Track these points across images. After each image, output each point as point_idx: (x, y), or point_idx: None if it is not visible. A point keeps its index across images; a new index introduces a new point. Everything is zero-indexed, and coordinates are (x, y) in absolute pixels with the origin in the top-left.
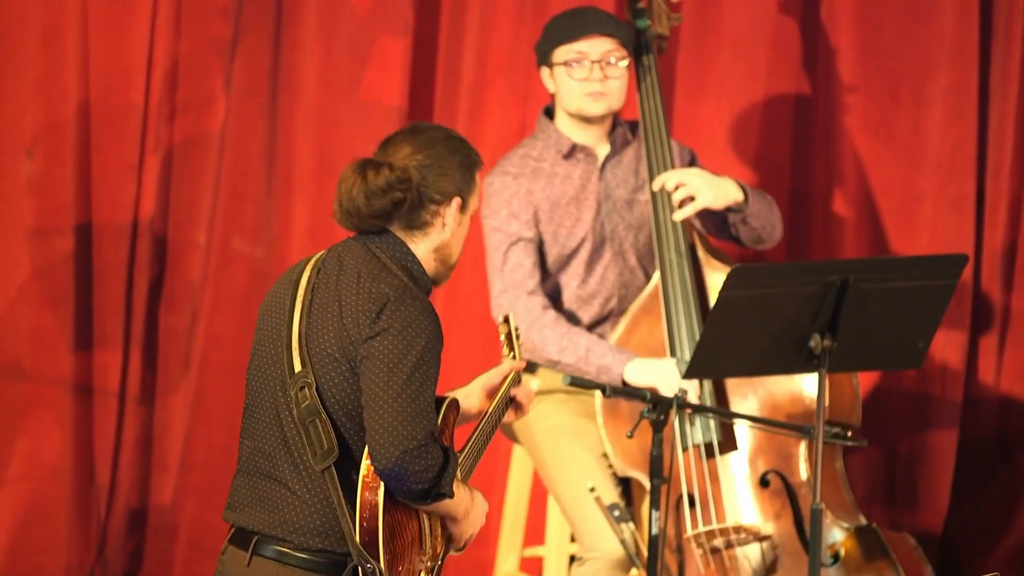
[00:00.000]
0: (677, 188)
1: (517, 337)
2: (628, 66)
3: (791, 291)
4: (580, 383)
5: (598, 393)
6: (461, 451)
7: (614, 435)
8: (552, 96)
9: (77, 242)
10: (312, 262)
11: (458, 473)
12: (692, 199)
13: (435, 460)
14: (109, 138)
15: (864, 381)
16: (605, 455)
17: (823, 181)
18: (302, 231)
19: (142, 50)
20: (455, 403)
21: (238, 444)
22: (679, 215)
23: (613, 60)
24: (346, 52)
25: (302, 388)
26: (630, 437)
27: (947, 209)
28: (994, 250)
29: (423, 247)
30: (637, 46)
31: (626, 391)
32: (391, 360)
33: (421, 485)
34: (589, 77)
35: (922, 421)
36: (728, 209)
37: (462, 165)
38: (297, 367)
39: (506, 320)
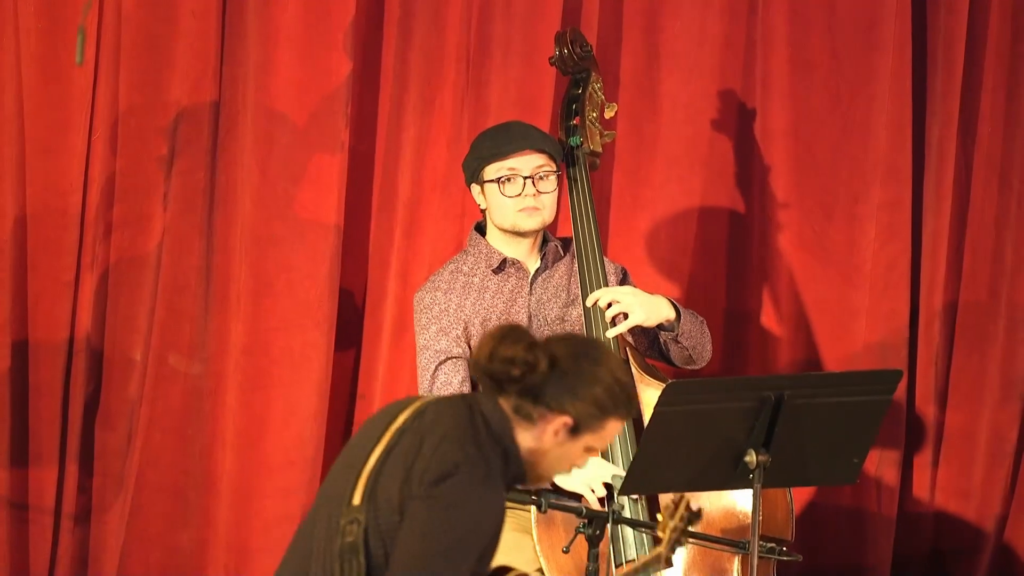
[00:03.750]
0: (611, 305)
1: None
2: (559, 177)
3: (726, 406)
4: (515, 499)
5: (533, 508)
6: None
7: (549, 550)
8: (483, 212)
9: (13, 359)
10: (417, 403)
11: None
12: (625, 316)
13: None
14: (46, 255)
15: (799, 496)
16: (541, 570)
17: (758, 298)
18: (239, 349)
19: (79, 168)
20: None
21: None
22: (612, 332)
23: (544, 174)
24: (282, 170)
25: (352, 522)
26: (566, 552)
27: (881, 325)
28: (928, 366)
29: (524, 440)
30: (570, 162)
31: (562, 505)
32: (426, 532)
33: None
34: (522, 193)
35: (857, 536)
36: (660, 327)
37: (596, 399)
38: (356, 500)
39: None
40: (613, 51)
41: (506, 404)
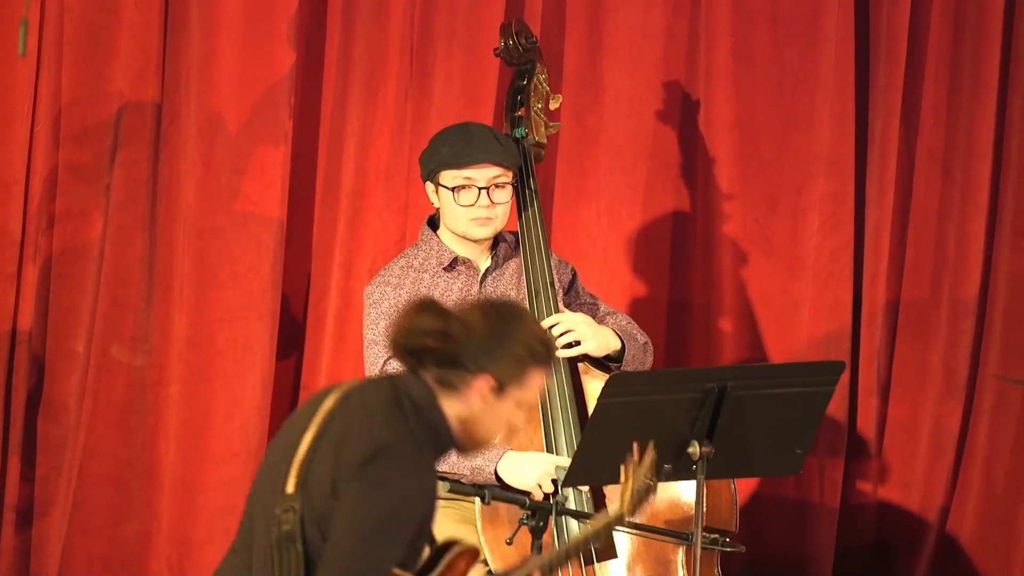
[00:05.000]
0: (566, 332)
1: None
2: (513, 183)
3: (669, 398)
4: (459, 490)
5: (477, 500)
6: None
7: (493, 541)
8: (436, 208)
9: None
10: (342, 389)
11: None
12: (578, 343)
13: None
14: None
15: (742, 487)
16: (485, 562)
17: (702, 290)
18: (182, 341)
19: (21, 159)
20: (473, 553)
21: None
22: (562, 354)
23: (500, 184)
24: (225, 161)
25: (287, 511)
26: (509, 544)
27: (824, 317)
28: (870, 357)
29: (452, 409)
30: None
31: (505, 496)
32: (358, 511)
33: None
34: (476, 203)
35: (800, 527)
36: (606, 357)
37: (518, 357)
38: (290, 488)
39: None
40: (556, 42)
41: (428, 378)
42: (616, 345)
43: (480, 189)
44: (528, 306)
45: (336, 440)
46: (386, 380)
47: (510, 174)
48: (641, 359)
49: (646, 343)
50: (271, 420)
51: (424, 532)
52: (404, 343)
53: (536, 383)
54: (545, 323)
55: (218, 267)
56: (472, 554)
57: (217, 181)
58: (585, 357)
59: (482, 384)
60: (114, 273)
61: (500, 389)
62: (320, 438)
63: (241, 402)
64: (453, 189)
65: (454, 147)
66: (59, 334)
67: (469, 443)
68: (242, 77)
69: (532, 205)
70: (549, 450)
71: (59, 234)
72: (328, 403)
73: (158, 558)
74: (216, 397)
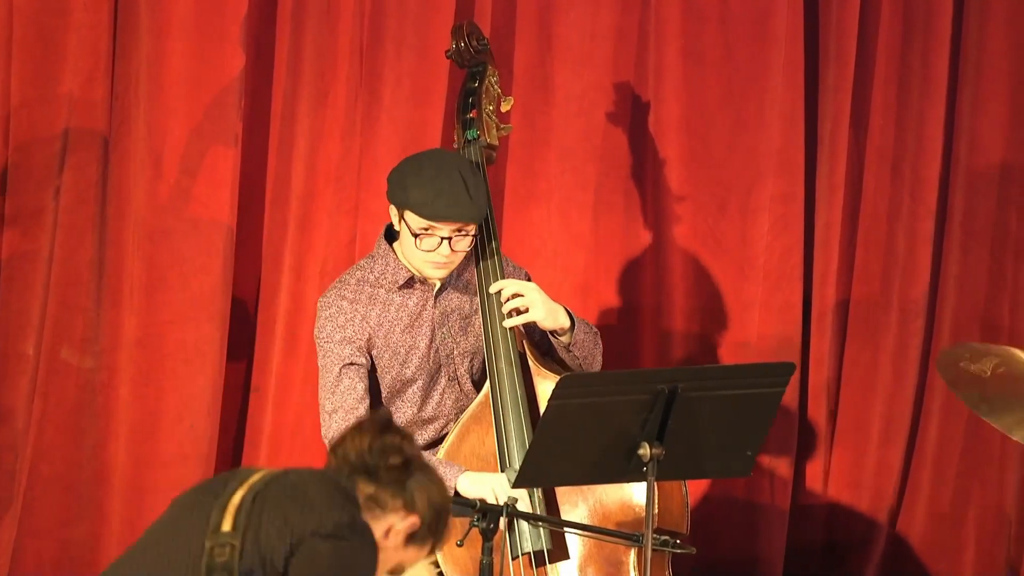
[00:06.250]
0: (514, 296)
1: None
2: (475, 234)
3: (620, 399)
4: None
5: None
6: None
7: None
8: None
9: None
10: (271, 470)
11: None
12: (525, 311)
13: None
14: None
15: (693, 488)
16: (436, 564)
17: (652, 291)
18: (132, 343)
19: None
20: None
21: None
22: (509, 323)
23: (463, 233)
24: (175, 163)
25: (223, 545)
26: (460, 546)
27: (775, 318)
28: (821, 357)
29: (376, 527)
30: (466, 156)
31: (456, 501)
32: (332, 568)
33: None
34: (436, 250)
35: (751, 528)
36: (553, 333)
37: (443, 521)
38: (226, 527)
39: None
40: (507, 44)
41: (360, 490)
42: (566, 323)
43: (442, 238)
44: (482, 311)
45: (289, 496)
46: (325, 473)
47: (474, 225)
48: (592, 344)
49: (597, 333)
50: (221, 422)
51: None
52: (367, 456)
53: (417, 557)
54: (493, 288)
55: (168, 269)
56: None
57: (167, 183)
58: (536, 353)
59: (409, 520)
60: (64, 275)
61: (411, 539)
62: (259, 495)
63: (191, 404)
64: (416, 235)
65: (424, 196)
66: (8, 336)
67: None
68: (192, 79)
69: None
70: (501, 451)
71: (8, 237)
72: (258, 474)
73: (108, 560)
74: (166, 399)
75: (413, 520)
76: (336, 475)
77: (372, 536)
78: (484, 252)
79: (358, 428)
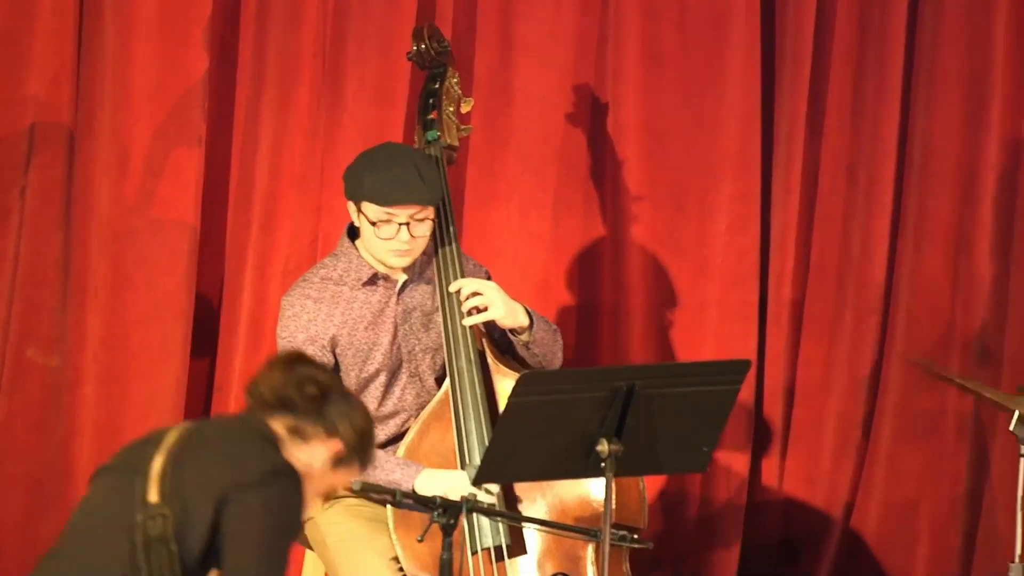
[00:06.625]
0: (473, 295)
1: None
2: (433, 219)
3: (579, 397)
4: (370, 489)
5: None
6: None
7: (405, 539)
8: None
9: None
10: (185, 424)
11: None
12: (485, 309)
13: None
14: None
15: (651, 484)
16: (396, 559)
17: (611, 290)
18: (97, 342)
19: None
20: None
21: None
22: (468, 321)
23: (421, 218)
24: (140, 164)
25: (154, 518)
26: (420, 541)
27: (731, 316)
28: (777, 355)
29: (295, 460)
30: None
31: (415, 497)
32: (258, 530)
33: None
34: (396, 237)
35: (707, 524)
36: (513, 331)
37: (367, 441)
38: (152, 497)
39: None
40: (467, 46)
41: (280, 423)
42: (525, 321)
43: (400, 224)
44: (442, 310)
45: (209, 455)
46: (240, 417)
47: (431, 208)
48: (551, 341)
49: (556, 330)
50: (185, 420)
51: None
52: (281, 388)
53: (350, 476)
54: (453, 287)
55: (133, 269)
56: None
57: (132, 184)
58: (495, 351)
59: (332, 446)
60: (30, 275)
61: (337, 462)
62: (177, 458)
63: (156, 402)
64: (375, 223)
65: (379, 183)
66: None
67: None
68: (156, 81)
69: (445, 208)
70: (461, 448)
71: None
72: (172, 435)
73: None
74: (131, 397)
75: (336, 445)
76: (251, 418)
77: (296, 473)
78: (445, 251)
79: (269, 366)
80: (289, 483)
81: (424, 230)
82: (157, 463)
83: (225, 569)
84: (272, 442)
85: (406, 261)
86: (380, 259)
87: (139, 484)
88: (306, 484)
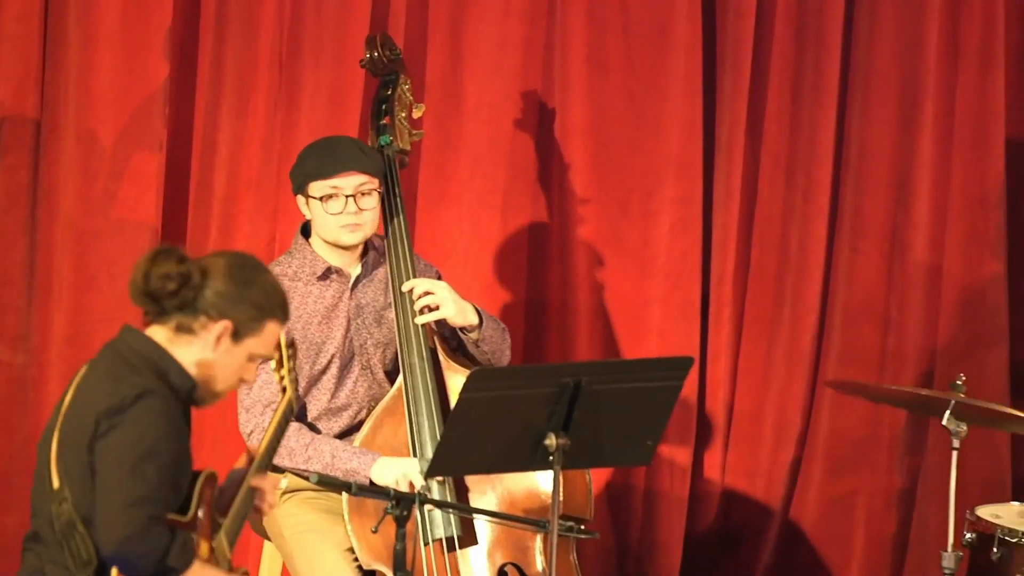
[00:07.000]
0: (425, 294)
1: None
2: (379, 192)
3: (527, 392)
4: (327, 481)
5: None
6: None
7: (360, 530)
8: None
9: None
10: (79, 375)
11: (211, 547)
12: (436, 308)
13: (159, 542)
14: None
15: (597, 477)
16: (351, 550)
17: (558, 289)
18: (61, 339)
19: None
20: (212, 477)
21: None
22: (420, 319)
23: (366, 191)
24: (103, 168)
25: (61, 503)
26: (375, 532)
27: (674, 315)
28: (718, 352)
29: (187, 353)
30: (385, 168)
31: (372, 490)
32: (117, 452)
33: (147, 568)
34: (344, 211)
35: (651, 515)
36: (463, 329)
37: (254, 303)
38: (55, 483)
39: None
40: (419, 53)
41: (166, 326)
42: (474, 320)
43: (347, 197)
44: (395, 309)
45: (80, 420)
46: (108, 347)
47: (376, 181)
48: (500, 339)
49: (504, 328)
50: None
51: (181, 473)
52: (145, 288)
53: (272, 335)
54: (405, 286)
55: (96, 269)
56: (214, 479)
57: (95, 187)
58: (446, 348)
59: (219, 329)
60: None
61: (236, 336)
62: (64, 428)
63: None
64: (321, 199)
65: (320, 159)
66: None
67: (205, 394)
68: (119, 88)
69: (397, 211)
70: (413, 442)
71: None
72: (68, 394)
73: None
74: None
75: (224, 324)
76: (118, 342)
77: (149, 394)
78: (397, 251)
79: (133, 272)
80: (142, 407)
81: (371, 203)
82: (54, 445)
83: (95, 507)
84: (129, 364)
85: (358, 237)
86: (334, 239)
87: (47, 472)
88: (211, 371)
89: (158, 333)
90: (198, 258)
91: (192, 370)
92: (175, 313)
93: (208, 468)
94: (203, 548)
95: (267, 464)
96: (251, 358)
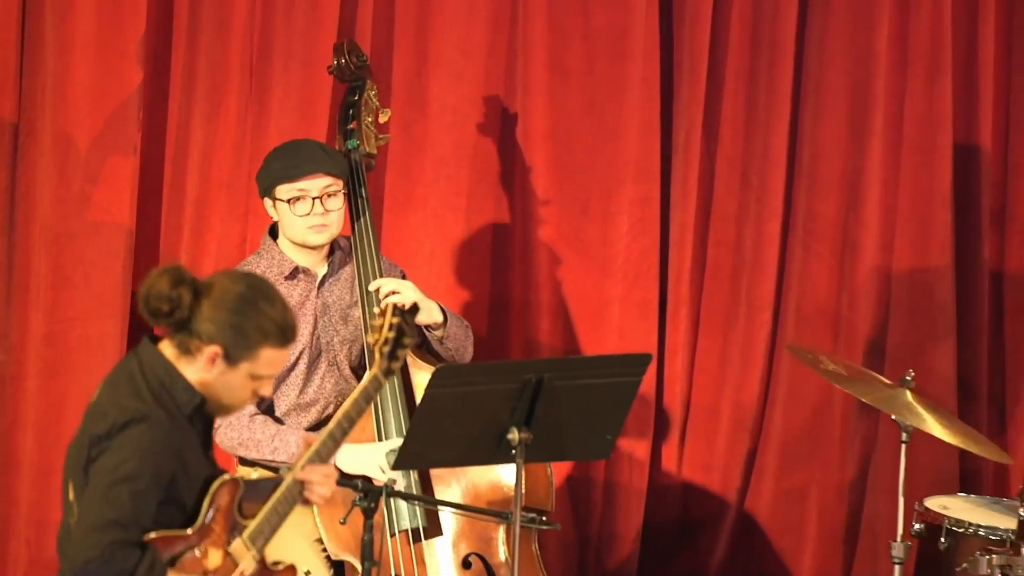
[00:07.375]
0: (391, 293)
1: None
2: (344, 193)
3: (491, 388)
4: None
5: None
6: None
7: (329, 521)
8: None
9: None
10: (95, 393)
11: (226, 552)
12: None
13: (124, 565)
14: None
15: (558, 470)
16: (320, 540)
17: (520, 289)
18: (38, 337)
19: None
20: (229, 482)
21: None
22: None
23: (332, 192)
24: (78, 171)
25: (71, 515)
26: (343, 523)
27: (633, 313)
28: (675, 349)
29: (190, 371)
30: (349, 170)
31: (340, 482)
32: (97, 477)
33: None
34: (311, 212)
35: (611, 507)
36: (428, 327)
37: (242, 330)
38: (71, 496)
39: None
40: (385, 59)
41: (172, 342)
42: (439, 318)
43: (313, 199)
44: (360, 307)
45: (79, 439)
46: (127, 360)
47: (340, 182)
48: (463, 336)
49: (468, 326)
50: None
51: (180, 489)
52: (145, 306)
53: (272, 359)
54: (372, 285)
55: (72, 269)
56: (233, 484)
57: (71, 189)
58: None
59: (210, 352)
60: None
61: (229, 360)
62: (71, 447)
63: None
64: (289, 201)
65: (285, 162)
66: None
67: (217, 406)
68: (94, 93)
69: (364, 212)
70: (380, 437)
71: None
72: (85, 417)
73: (17, 538)
74: (71, 390)
75: (214, 349)
76: (132, 357)
77: (143, 419)
78: (364, 251)
79: (140, 285)
80: (127, 435)
81: (337, 204)
82: (72, 456)
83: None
84: (134, 380)
85: (325, 237)
86: (301, 240)
87: (67, 484)
88: (215, 391)
89: (167, 349)
90: (206, 278)
91: (199, 387)
92: (175, 332)
93: (227, 473)
94: (214, 556)
95: (330, 450)
96: (254, 378)
